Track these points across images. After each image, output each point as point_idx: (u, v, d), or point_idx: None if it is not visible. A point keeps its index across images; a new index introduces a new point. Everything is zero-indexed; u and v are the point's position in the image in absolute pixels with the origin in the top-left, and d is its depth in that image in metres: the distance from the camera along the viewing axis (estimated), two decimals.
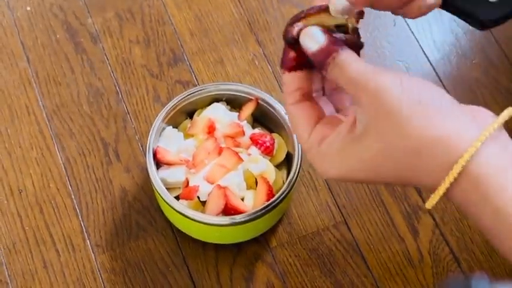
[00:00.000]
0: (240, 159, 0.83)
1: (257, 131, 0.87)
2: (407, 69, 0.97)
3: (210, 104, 0.88)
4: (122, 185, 0.89)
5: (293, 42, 0.62)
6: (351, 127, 0.59)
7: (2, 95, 0.95)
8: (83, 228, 0.87)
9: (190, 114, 0.89)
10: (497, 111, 0.58)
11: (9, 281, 0.85)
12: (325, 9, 0.62)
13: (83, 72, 0.96)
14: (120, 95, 0.95)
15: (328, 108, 0.65)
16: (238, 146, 0.85)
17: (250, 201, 0.83)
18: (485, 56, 0.98)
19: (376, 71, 0.58)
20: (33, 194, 0.89)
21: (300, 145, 0.83)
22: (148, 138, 0.84)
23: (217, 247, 0.86)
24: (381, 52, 0.98)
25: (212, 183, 0.82)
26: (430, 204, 0.58)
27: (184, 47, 0.98)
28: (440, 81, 0.96)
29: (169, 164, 0.85)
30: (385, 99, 0.56)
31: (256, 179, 0.84)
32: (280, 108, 0.86)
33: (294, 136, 0.84)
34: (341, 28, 0.63)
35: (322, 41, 0.60)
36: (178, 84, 0.95)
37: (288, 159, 0.87)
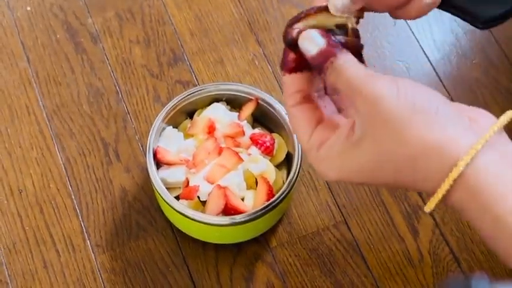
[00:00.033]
0: (240, 159, 0.83)
1: (257, 131, 0.87)
2: (407, 69, 0.97)
3: (210, 104, 0.88)
4: (122, 185, 0.89)
5: (293, 44, 0.62)
6: (349, 131, 0.59)
7: (2, 95, 0.95)
8: (83, 228, 0.87)
9: (190, 114, 0.89)
10: (497, 111, 0.58)
11: (9, 281, 0.85)
12: (324, 9, 0.62)
13: (83, 72, 0.96)
14: (120, 95, 0.95)
15: (330, 108, 0.65)
16: (238, 146, 0.85)
17: (250, 201, 0.83)
18: (485, 56, 0.98)
19: (372, 77, 0.58)
20: (33, 194, 0.89)
21: (300, 145, 0.83)
22: (149, 138, 0.84)
23: (217, 247, 0.86)
24: (380, 52, 0.98)
25: (212, 183, 0.82)
26: (428, 208, 0.58)
27: (185, 47, 0.98)
28: (441, 81, 0.96)
29: (169, 164, 0.85)
30: (381, 107, 0.56)
31: (256, 179, 0.84)
32: (280, 108, 0.86)
33: (294, 136, 0.84)
34: (341, 28, 0.63)
35: (321, 44, 0.60)
36: (178, 84, 0.95)
37: (288, 159, 0.87)
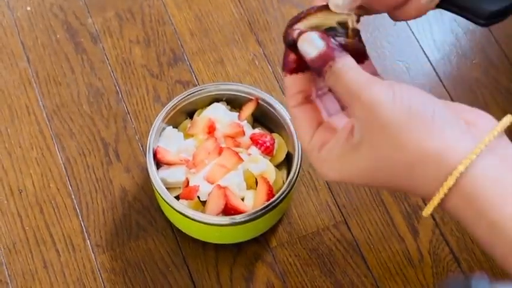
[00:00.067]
0: (240, 159, 0.83)
1: (257, 131, 0.87)
2: (407, 69, 0.97)
3: (210, 104, 0.88)
4: (122, 185, 0.89)
5: (293, 45, 0.62)
6: (348, 134, 0.59)
7: (2, 95, 0.95)
8: (83, 228, 0.87)
9: (190, 114, 0.89)
10: (497, 111, 0.58)
11: (9, 281, 0.85)
12: (325, 8, 0.62)
13: (83, 72, 0.96)
14: (120, 95, 0.95)
15: (333, 106, 0.65)
16: (238, 146, 0.85)
17: (250, 201, 0.83)
18: (485, 56, 0.98)
19: (370, 83, 0.58)
20: (33, 194, 0.89)
21: (300, 145, 0.83)
22: (149, 138, 0.84)
23: (217, 247, 0.86)
24: (381, 52, 0.98)
25: (212, 183, 0.82)
26: (425, 213, 0.58)
27: (185, 47, 0.98)
28: (441, 81, 0.96)
29: (169, 164, 0.85)
30: (378, 113, 0.56)
31: (256, 179, 0.84)
32: (280, 108, 0.86)
33: (294, 136, 0.84)
34: (343, 27, 0.62)
35: (321, 47, 0.60)
36: (178, 84, 0.95)
37: (288, 159, 0.87)
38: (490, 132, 0.56)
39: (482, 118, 0.59)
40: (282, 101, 0.88)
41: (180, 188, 0.84)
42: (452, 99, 0.94)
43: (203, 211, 0.82)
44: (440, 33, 0.99)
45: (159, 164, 0.85)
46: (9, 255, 0.86)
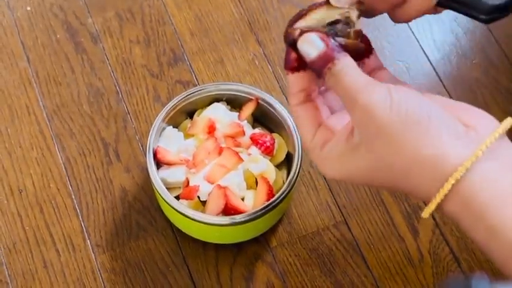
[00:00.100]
0: (240, 159, 0.83)
1: (257, 131, 0.87)
2: (407, 69, 0.97)
3: (210, 104, 0.88)
4: (122, 185, 0.89)
5: (294, 44, 0.62)
6: (349, 135, 0.59)
7: (2, 95, 0.95)
8: (83, 228, 0.87)
9: (190, 114, 0.89)
10: (497, 111, 0.58)
11: (9, 281, 0.85)
12: (326, 4, 0.62)
13: (83, 72, 0.96)
14: (120, 95, 0.95)
15: (336, 103, 0.65)
16: (238, 146, 0.85)
17: (251, 201, 0.83)
18: (485, 56, 0.98)
19: (368, 86, 0.58)
20: (34, 194, 0.89)
21: (300, 145, 0.84)
22: (149, 138, 0.84)
23: (218, 247, 0.86)
24: (381, 52, 0.97)
25: (212, 183, 0.82)
26: (424, 215, 0.58)
27: (185, 47, 0.98)
28: (441, 81, 0.96)
29: (169, 164, 0.85)
30: (374, 118, 0.57)
31: (256, 179, 0.84)
32: (280, 108, 0.86)
33: (294, 136, 0.84)
34: (344, 21, 0.62)
35: (321, 48, 0.60)
36: (178, 84, 0.95)
37: (288, 159, 0.87)
38: (489, 136, 0.56)
39: (481, 119, 0.58)
40: (282, 101, 0.88)
41: (180, 188, 0.84)
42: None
43: (203, 211, 0.82)
44: (440, 33, 0.99)
45: (159, 164, 0.85)
46: (9, 255, 0.86)
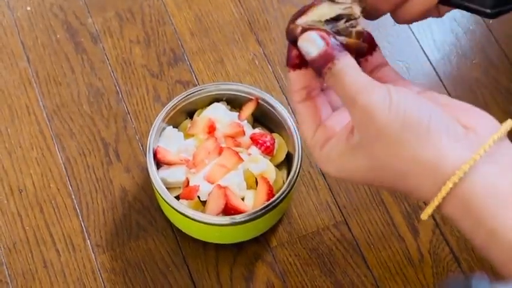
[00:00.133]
0: (240, 159, 0.83)
1: (257, 130, 0.87)
2: (408, 69, 0.97)
3: (210, 103, 0.88)
4: (122, 185, 0.89)
5: (295, 41, 0.62)
6: (349, 134, 0.59)
7: (2, 95, 0.95)
8: (83, 228, 0.87)
9: (190, 114, 0.89)
10: (497, 111, 0.58)
11: (9, 281, 0.85)
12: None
13: (83, 72, 0.96)
14: (120, 95, 0.95)
15: (338, 101, 0.65)
16: (238, 145, 0.85)
17: (251, 201, 0.83)
18: (485, 56, 0.98)
19: (367, 86, 0.58)
20: (34, 193, 0.89)
21: (300, 145, 0.84)
22: (149, 138, 0.84)
23: (218, 247, 0.86)
24: None
25: (212, 183, 0.82)
26: (423, 216, 0.58)
27: (185, 47, 0.98)
28: (441, 81, 0.96)
29: (169, 164, 0.85)
30: (373, 120, 0.57)
31: (256, 179, 0.84)
32: (280, 108, 0.86)
33: (294, 136, 0.84)
34: (346, 18, 0.62)
35: (321, 46, 0.60)
36: (178, 84, 0.95)
37: (288, 159, 0.87)
38: (488, 140, 0.56)
39: (481, 119, 0.58)
40: (282, 101, 0.88)
41: (180, 188, 0.84)
42: None
43: (203, 211, 0.82)
44: (440, 33, 0.99)
45: (159, 164, 0.85)
46: (10, 255, 0.86)
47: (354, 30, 0.62)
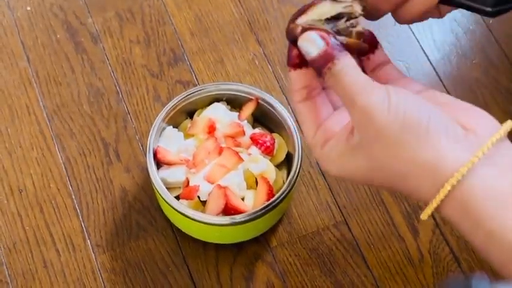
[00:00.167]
0: (240, 159, 0.83)
1: (257, 130, 0.87)
2: (408, 69, 0.97)
3: (210, 103, 0.88)
4: (122, 185, 0.89)
5: (295, 41, 0.62)
6: (349, 134, 0.60)
7: (2, 95, 0.95)
8: (83, 228, 0.87)
9: (190, 114, 0.89)
10: (497, 111, 0.58)
11: (9, 281, 0.85)
12: None
13: (83, 72, 0.96)
14: (120, 95, 0.95)
15: (339, 100, 0.65)
16: (238, 145, 0.85)
17: (251, 201, 0.83)
18: (485, 56, 0.98)
19: (366, 87, 0.58)
20: (34, 193, 0.89)
21: (300, 145, 0.84)
22: (149, 138, 0.84)
23: (218, 247, 0.86)
24: None
25: (212, 183, 0.82)
26: (423, 217, 0.58)
27: (185, 47, 0.98)
28: (441, 81, 0.96)
29: (169, 164, 0.85)
30: (372, 121, 0.57)
31: (256, 179, 0.84)
32: (280, 108, 0.86)
33: (294, 136, 0.84)
34: (347, 17, 0.62)
35: (321, 46, 0.60)
36: (178, 84, 0.95)
37: (288, 159, 0.87)
38: (487, 142, 0.56)
39: (481, 119, 0.58)
40: (282, 101, 0.88)
41: (180, 188, 0.84)
42: None
43: (203, 211, 0.82)
44: (440, 33, 0.99)
45: (159, 164, 0.85)
46: (10, 255, 0.86)
47: (354, 30, 0.62)
